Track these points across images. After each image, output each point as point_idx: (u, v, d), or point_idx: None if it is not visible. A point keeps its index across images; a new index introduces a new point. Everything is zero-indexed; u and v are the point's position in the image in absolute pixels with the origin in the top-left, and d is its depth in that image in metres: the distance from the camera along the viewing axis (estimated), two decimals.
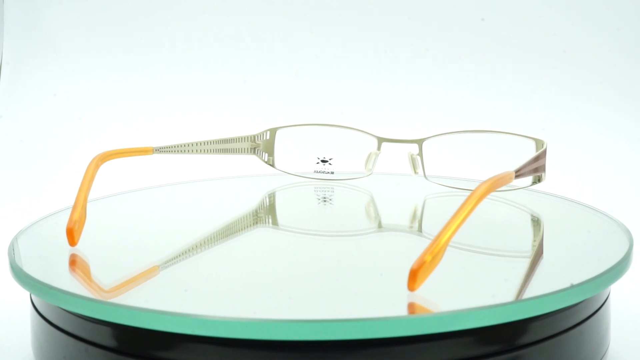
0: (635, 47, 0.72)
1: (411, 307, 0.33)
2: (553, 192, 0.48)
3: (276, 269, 0.38)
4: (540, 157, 0.44)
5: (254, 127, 0.71)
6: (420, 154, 0.48)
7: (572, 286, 0.33)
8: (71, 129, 0.72)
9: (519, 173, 0.42)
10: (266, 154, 0.51)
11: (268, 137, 0.51)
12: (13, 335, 0.43)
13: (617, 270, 0.35)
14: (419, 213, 0.47)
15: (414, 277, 0.32)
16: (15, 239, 0.41)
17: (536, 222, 0.46)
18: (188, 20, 0.75)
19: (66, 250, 0.41)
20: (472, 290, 0.35)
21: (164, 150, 0.48)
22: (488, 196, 0.47)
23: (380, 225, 0.45)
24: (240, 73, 0.74)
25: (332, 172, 0.51)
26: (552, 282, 0.35)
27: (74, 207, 0.41)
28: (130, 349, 0.33)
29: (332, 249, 0.41)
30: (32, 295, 0.38)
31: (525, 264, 0.38)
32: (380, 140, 0.49)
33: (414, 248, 0.41)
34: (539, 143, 0.46)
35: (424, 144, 0.48)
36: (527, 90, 0.72)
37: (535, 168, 0.44)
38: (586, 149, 0.69)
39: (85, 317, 0.34)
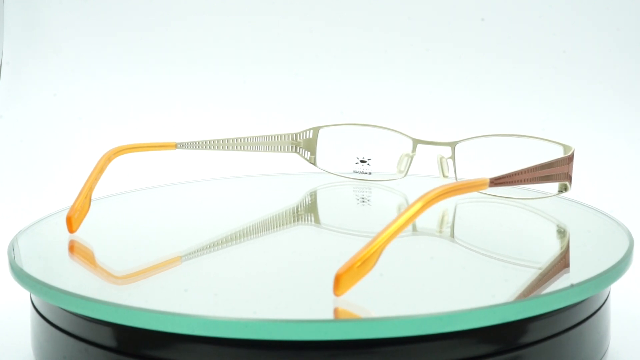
0: (635, 47, 0.72)
1: (412, 307, 0.33)
2: (553, 192, 0.48)
3: (279, 269, 0.38)
4: (554, 164, 0.42)
5: (254, 127, 0.71)
6: (453, 157, 0.47)
7: (572, 286, 0.33)
8: (71, 129, 0.72)
9: (498, 181, 0.39)
10: (308, 152, 0.51)
11: (311, 136, 0.51)
12: (13, 335, 0.43)
13: (617, 270, 0.35)
14: (450, 218, 0.46)
15: (338, 282, 0.31)
16: (15, 239, 0.41)
17: (537, 223, 0.46)
18: (188, 20, 0.75)
19: (67, 250, 0.41)
20: (472, 290, 0.35)
21: (199, 146, 0.48)
22: (493, 199, 0.46)
23: (414, 229, 0.45)
24: (240, 73, 0.74)
25: (370, 173, 0.51)
26: (552, 282, 0.35)
27: (77, 196, 0.41)
28: (130, 349, 0.33)
29: (346, 250, 0.41)
30: (32, 295, 0.38)
31: (526, 264, 0.38)
32: (416, 142, 0.48)
33: (437, 252, 0.41)
34: (567, 150, 0.44)
35: (457, 147, 0.47)
36: (527, 90, 0.72)
37: (546, 176, 0.42)
38: (586, 149, 0.69)
39: (85, 317, 0.34)
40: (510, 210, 0.46)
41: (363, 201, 0.50)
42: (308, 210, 0.49)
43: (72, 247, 0.41)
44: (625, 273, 0.36)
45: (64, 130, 0.72)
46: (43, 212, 0.46)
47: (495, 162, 0.47)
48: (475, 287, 0.35)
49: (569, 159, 0.43)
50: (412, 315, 0.30)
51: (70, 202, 0.44)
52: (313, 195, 0.52)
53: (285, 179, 0.56)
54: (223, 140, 0.49)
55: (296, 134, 0.51)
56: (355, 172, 0.51)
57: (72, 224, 0.41)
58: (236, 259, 0.40)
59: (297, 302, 0.34)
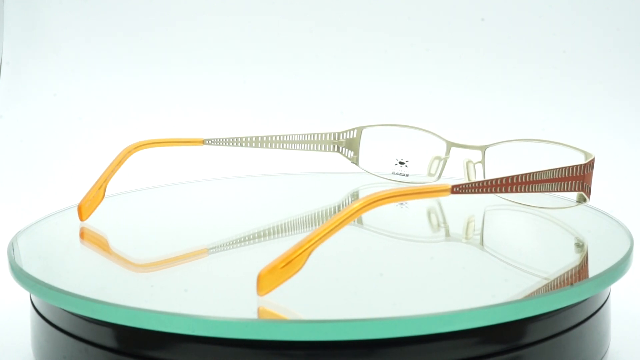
0: (635, 47, 0.72)
1: (408, 307, 0.33)
2: (553, 192, 0.48)
3: None
4: (540, 175, 0.38)
5: (255, 127, 0.71)
6: (483, 161, 0.45)
7: (572, 286, 0.33)
8: (71, 129, 0.72)
9: (460, 189, 0.35)
10: (352, 152, 0.51)
11: (354, 135, 0.51)
12: (13, 335, 0.43)
13: (617, 270, 0.35)
14: (479, 225, 0.45)
15: (259, 282, 0.31)
16: (15, 239, 0.41)
17: (537, 222, 0.45)
18: (188, 20, 0.75)
19: (66, 250, 0.41)
20: (472, 290, 0.35)
21: (229, 142, 0.48)
22: (516, 207, 0.45)
23: (448, 234, 0.44)
24: (240, 73, 0.74)
25: (407, 175, 0.50)
26: (552, 282, 0.35)
27: (92, 186, 0.43)
28: (130, 349, 0.33)
29: (362, 251, 0.41)
30: (32, 295, 0.38)
31: (526, 264, 0.38)
32: (449, 144, 0.47)
33: (437, 252, 0.41)
34: (587, 157, 0.42)
35: (487, 151, 0.45)
36: (527, 90, 0.72)
37: (541, 185, 0.38)
38: (586, 149, 0.69)
39: (85, 317, 0.34)
40: (522, 217, 0.45)
41: (400, 204, 0.49)
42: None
43: (82, 234, 0.42)
44: (625, 273, 0.36)
45: (64, 130, 0.72)
46: (43, 212, 0.46)
47: (526, 166, 0.44)
48: (475, 287, 0.35)
49: (581, 168, 0.39)
50: (412, 315, 0.30)
51: (69, 203, 0.44)
52: (355, 196, 0.51)
53: (323, 178, 0.55)
54: (261, 137, 0.49)
55: (338, 133, 0.51)
56: (393, 173, 0.51)
57: (82, 212, 0.43)
58: (251, 258, 0.40)
59: (297, 302, 0.34)
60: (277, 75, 0.74)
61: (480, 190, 0.36)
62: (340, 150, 0.51)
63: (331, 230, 0.32)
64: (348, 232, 0.44)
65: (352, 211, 0.32)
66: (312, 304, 0.34)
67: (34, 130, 0.72)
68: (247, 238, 0.42)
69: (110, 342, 0.33)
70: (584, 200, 0.42)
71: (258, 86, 0.74)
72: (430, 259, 0.39)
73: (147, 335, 0.32)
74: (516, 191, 0.37)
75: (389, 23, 0.74)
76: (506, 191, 0.37)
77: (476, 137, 0.52)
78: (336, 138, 0.51)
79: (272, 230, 0.44)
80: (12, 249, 0.39)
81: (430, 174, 0.48)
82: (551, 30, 0.73)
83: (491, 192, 0.36)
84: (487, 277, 0.37)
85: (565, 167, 0.39)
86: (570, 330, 0.34)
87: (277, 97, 0.74)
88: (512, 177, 0.37)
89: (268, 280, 0.31)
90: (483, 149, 0.45)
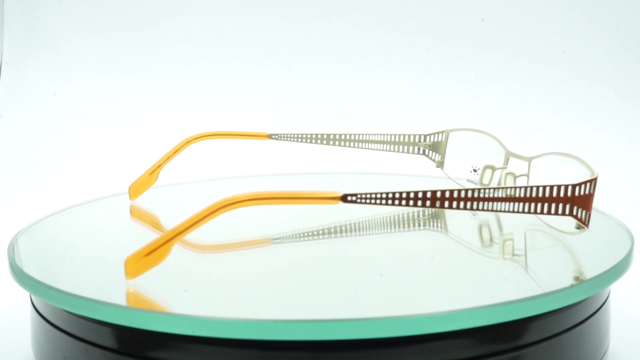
0: (635, 47, 0.72)
1: (405, 307, 0.33)
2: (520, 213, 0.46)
3: (286, 269, 0.38)
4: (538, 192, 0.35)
5: (254, 127, 0.71)
6: (528, 174, 0.43)
7: (572, 286, 0.33)
8: (71, 129, 0.72)
9: (353, 199, 0.33)
10: (439, 155, 0.49)
11: (442, 139, 0.49)
12: (13, 335, 0.43)
13: (617, 270, 0.35)
14: (521, 244, 0.42)
15: (124, 266, 0.33)
16: (15, 239, 0.41)
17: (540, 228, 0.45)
18: (188, 20, 0.75)
19: (66, 250, 0.41)
20: (472, 290, 0.35)
21: (295, 138, 0.48)
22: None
23: (503, 251, 0.42)
24: (240, 73, 0.74)
25: (476, 183, 0.48)
26: (553, 282, 0.35)
27: (146, 171, 0.46)
28: (130, 349, 0.33)
29: (382, 257, 0.40)
30: (32, 295, 0.38)
31: (525, 263, 0.38)
32: (508, 154, 0.45)
33: (437, 252, 0.40)
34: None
35: (532, 163, 0.43)
36: (527, 90, 0.72)
37: (536, 205, 0.35)
38: (586, 148, 0.69)
39: (85, 317, 0.34)
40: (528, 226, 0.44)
41: (473, 214, 0.47)
42: (433, 216, 0.47)
43: (132, 211, 0.45)
44: (625, 273, 0.36)
45: (64, 130, 0.72)
46: (43, 212, 0.46)
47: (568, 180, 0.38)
48: (475, 287, 0.35)
49: (565, 190, 0.35)
50: (412, 315, 0.30)
51: (69, 202, 0.44)
52: None
53: (396, 179, 0.54)
54: (338, 135, 0.48)
55: (424, 136, 0.49)
56: (467, 180, 0.48)
57: (131, 193, 0.47)
58: (247, 261, 0.40)
59: (297, 302, 0.34)
60: (277, 75, 0.74)
61: (374, 201, 0.33)
62: (427, 153, 0.49)
63: (193, 224, 0.33)
64: (354, 232, 0.44)
65: (213, 208, 0.33)
66: (313, 304, 0.34)
67: (34, 130, 0.72)
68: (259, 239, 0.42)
69: (110, 342, 0.33)
70: (581, 227, 0.37)
71: (258, 86, 0.74)
72: (431, 259, 0.40)
73: (147, 335, 0.32)
74: (428, 206, 0.33)
75: (389, 23, 0.74)
76: (415, 205, 0.33)
77: None
78: (421, 140, 0.49)
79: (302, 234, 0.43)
80: (12, 249, 0.39)
81: (482, 184, 0.46)
82: (551, 30, 0.73)
83: (388, 204, 0.33)
84: (487, 277, 0.37)
85: (533, 186, 0.35)
86: (570, 330, 0.34)
87: (277, 97, 0.74)
88: (420, 192, 0.34)
89: (133, 266, 0.33)
90: (529, 160, 0.43)
